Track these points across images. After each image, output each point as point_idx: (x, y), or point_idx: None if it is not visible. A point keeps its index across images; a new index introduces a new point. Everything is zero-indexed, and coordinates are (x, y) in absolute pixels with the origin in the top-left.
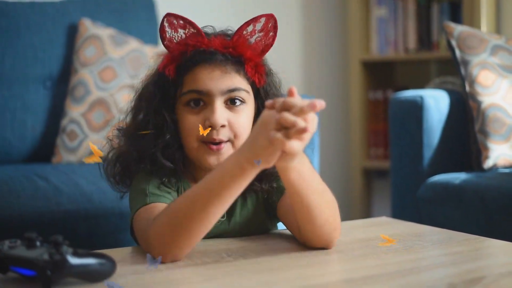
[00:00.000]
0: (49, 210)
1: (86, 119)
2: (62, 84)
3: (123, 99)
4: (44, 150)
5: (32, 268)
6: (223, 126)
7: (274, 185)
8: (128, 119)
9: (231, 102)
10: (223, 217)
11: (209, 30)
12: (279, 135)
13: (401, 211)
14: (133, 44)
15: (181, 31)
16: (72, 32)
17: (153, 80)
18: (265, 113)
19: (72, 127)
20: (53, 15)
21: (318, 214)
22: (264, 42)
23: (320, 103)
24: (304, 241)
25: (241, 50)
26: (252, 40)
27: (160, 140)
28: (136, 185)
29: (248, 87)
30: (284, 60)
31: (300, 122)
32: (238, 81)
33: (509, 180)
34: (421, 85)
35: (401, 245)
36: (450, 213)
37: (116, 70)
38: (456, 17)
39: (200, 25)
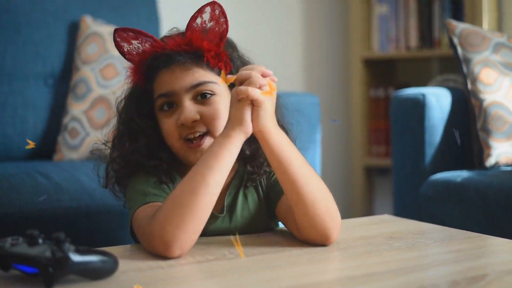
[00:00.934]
0: (50, 207)
1: (88, 117)
2: (64, 82)
3: None
4: (45, 147)
5: (34, 265)
6: (195, 121)
7: (267, 169)
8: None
9: (201, 97)
10: (222, 212)
11: (174, 32)
12: (240, 87)
13: (403, 209)
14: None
15: (135, 42)
16: (73, 29)
17: (128, 93)
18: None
19: (74, 125)
20: (54, 12)
21: (307, 192)
22: (219, 29)
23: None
24: (303, 236)
25: (196, 44)
26: (206, 32)
27: (137, 144)
28: (134, 186)
29: (214, 77)
30: (285, 57)
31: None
32: (201, 75)
33: (511, 178)
34: (423, 83)
35: (403, 243)
36: (451, 211)
37: (117, 68)
38: (458, 15)
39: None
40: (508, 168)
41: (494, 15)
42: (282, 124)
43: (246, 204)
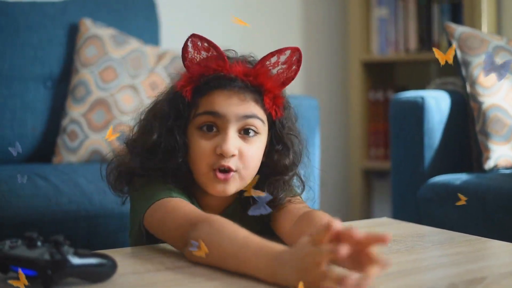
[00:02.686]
0: (49, 210)
1: (87, 119)
2: (63, 84)
3: (123, 99)
4: (44, 150)
5: (33, 268)
6: (233, 155)
7: (280, 195)
8: (137, 134)
9: (244, 132)
10: None
11: (230, 54)
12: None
13: (402, 212)
14: (134, 44)
15: (204, 53)
16: (73, 32)
17: (168, 99)
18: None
19: (73, 127)
20: (54, 14)
21: None
22: (286, 74)
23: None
24: None
25: (261, 80)
26: (274, 71)
27: (170, 163)
28: (153, 184)
29: (264, 117)
30: None
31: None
32: (255, 109)
33: (510, 181)
34: (422, 86)
35: (402, 246)
36: (450, 213)
37: (116, 70)
38: (457, 18)
39: (204, 28)
40: (507, 171)
41: (493, 18)
42: (298, 129)
43: (243, 224)
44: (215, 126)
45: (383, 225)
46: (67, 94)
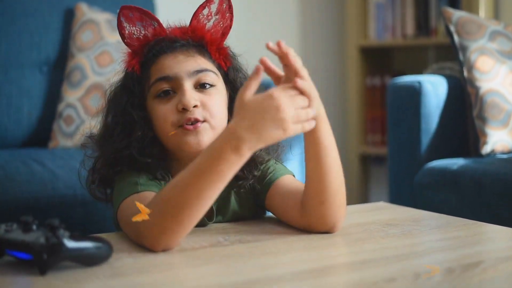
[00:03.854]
0: (45, 195)
1: (83, 104)
2: (59, 69)
3: None
4: (40, 135)
5: (28, 251)
6: (195, 106)
7: (256, 173)
8: (99, 125)
9: (200, 86)
10: (212, 219)
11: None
12: (298, 126)
13: (398, 197)
14: None
15: (138, 24)
16: (69, 17)
17: (120, 82)
18: (275, 95)
19: (69, 112)
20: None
21: (334, 183)
22: (223, 24)
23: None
24: (307, 223)
25: (200, 33)
26: (210, 24)
27: (132, 138)
28: (124, 178)
29: (215, 69)
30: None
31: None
32: (203, 63)
33: (507, 166)
34: (419, 71)
35: (398, 230)
36: (447, 198)
37: (112, 55)
38: (454, 3)
39: None
40: (504, 156)
41: (491, 3)
42: None
43: (237, 203)
44: (171, 90)
45: (380, 209)
46: (63, 79)
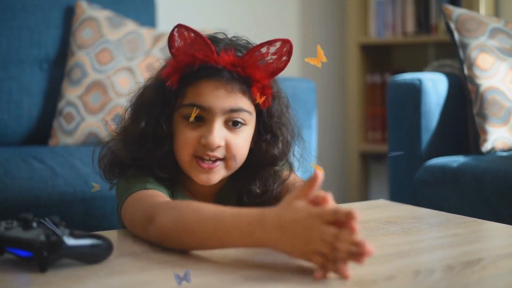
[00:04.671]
0: (45, 192)
1: (83, 102)
2: (59, 66)
3: (120, 82)
4: (40, 132)
5: (28, 249)
6: (219, 146)
7: (273, 186)
8: (126, 123)
9: (233, 124)
10: None
11: (220, 36)
12: (327, 265)
13: (398, 195)
14: (130, 26)
15: (191, 43)
16: (69, 14)
17: (155, 86)
18: (315, 224)
19: (69, 110)
20: None
21: None
22: (276, 65)
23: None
24: None
25: (250, 71)
26: (263, 61)
27: (158, 152)
28: (135, 175)
29: (251, 108)
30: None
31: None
32: (242, 102)
33: (507, 164)
34: (419, 69)
35: (398, 228)
36: (447, 196)
37: (113, 53)
38: (455, 0)
39: (196, 21)
40: (504, 153)
41: (491, 0)
42: (288, 118)
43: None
44: (202, 116)
45: (380, 206)
46: (63, 76)
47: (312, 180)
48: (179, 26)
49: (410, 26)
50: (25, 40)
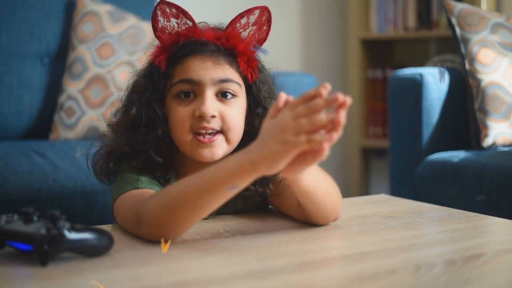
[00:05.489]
0: (46, 186)
1: (84, 96)
2: (60, 61)
3: (121, 76)
4: (41, 126)
5: (29, 242)
6: (213, 116)
7: (270, 186)
8: (120, 113)
9: (222, 95)
10: (212, 215)
11: (203, 26)
12: (303, 137)
13: (399, 189)
14: (131, 20)
15: (173, 20)
16: (70, 8)
17: (144, 73)
18: (281, 115)
19: (70, 104)
20: None
21: (324, 203)
22: (258, 36)
23: (343, 98)
24: (307, 220)
25: (234, 42)
26: (245, 33)
27: (152, 135)
28: (127, 174)
29: (240, 80)
30: (283, 37)
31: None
32: (230, 73)
33: (508, 159)
34: (420, 64)
35: (399, 222)
36: (448, 191)
37: (114, 47)
38: None
39: (196, 14)
40: (505, 149)
41: None
42: (275, 91)
43: (242, 199)
44: (192, 92)
45: (381, 201)
46: (64, 70)
47: (276, 103)
48: (161, 3)
49: (412, 21)
50: (26, 34)
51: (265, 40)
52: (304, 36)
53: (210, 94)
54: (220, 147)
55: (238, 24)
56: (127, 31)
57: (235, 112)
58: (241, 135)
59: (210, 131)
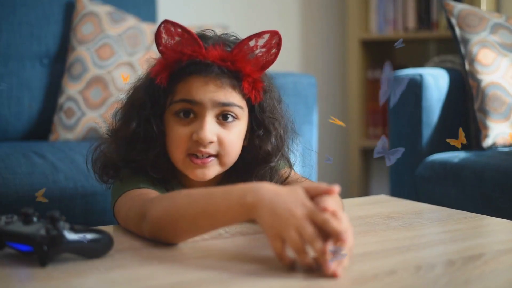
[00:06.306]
0: (46, 187)
1: (84, 97)
2: (59, 62)
3: (120, 77)
4: (41, 127)
5: (28, 243)
6: (211, 142)
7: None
8: (119, 120)
9: (223, 118)
10: None
11: (209, 34)
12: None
13: (399, 190)
14: (131, 21)
15: (177, 39)
16: (69, 9)
17: (145, 86)
18: (301, 211)
19: (69, 105)
20: None
21: None
22: (265, 58)
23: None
24: None
25: (239, 65)
26: (253, 55)
27: (150, 153)
28: (128, 176)
29: (242, 103)
30: (283, 37)
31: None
32: (232, 96)
33: (508, 159)
34: (420, 65)
35: (399, 223)
36: (448, 191)
37: (113, 48)
38: None
39: (196, 14)
40: (505, 149)
41: None
42: (280, 113)
43: None
44: (192, 112)
45: (381, 202)
46: (64, 71)
47: (324, 189)
48: (166, 22)
49: (411, 21)
50: (25, 35)
51: (272, 62)
52: (303, 37)
53: (210, 118)
54: (213, 169)
55: (246, 47)
56: (126, 32)
57: (233, 136)
58: (236, 157)
59: (206, 155)
